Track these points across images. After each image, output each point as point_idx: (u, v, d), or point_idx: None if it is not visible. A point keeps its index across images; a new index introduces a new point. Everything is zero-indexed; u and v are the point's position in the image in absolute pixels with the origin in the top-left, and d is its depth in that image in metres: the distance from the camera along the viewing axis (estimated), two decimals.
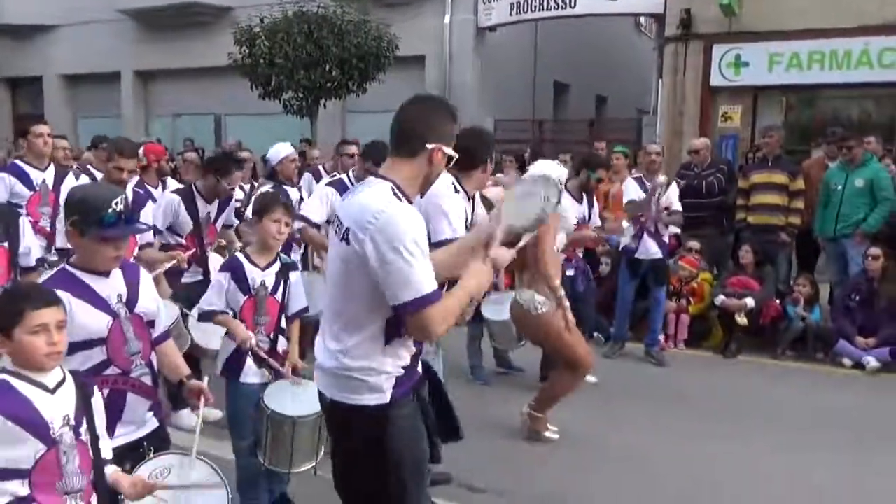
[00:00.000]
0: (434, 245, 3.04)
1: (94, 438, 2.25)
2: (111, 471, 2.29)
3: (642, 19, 17.09)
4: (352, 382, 2.32)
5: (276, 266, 3.58)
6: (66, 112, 17.58)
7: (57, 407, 2.14)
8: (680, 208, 6.67)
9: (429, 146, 2.33)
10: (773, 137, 7.46)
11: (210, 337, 4.02)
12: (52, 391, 2.15)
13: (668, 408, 5.59)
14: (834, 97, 10.47)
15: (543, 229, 4.57)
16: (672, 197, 6.58)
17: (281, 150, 5.93)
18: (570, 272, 5.80)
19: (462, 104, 13.06)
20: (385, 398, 2.32)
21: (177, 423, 4.59)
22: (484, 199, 6.25)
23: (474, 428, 4.98)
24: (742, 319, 6.97)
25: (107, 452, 2.33)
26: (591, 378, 6.17)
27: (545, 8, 11.91)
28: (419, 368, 2.50)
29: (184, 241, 4.92)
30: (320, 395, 2.48)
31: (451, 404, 2.72)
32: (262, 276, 3.52)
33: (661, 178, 6.30)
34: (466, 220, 3.66)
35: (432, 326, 2.22)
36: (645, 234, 6.49)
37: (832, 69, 9.87)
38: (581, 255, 6.30)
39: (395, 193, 2.28)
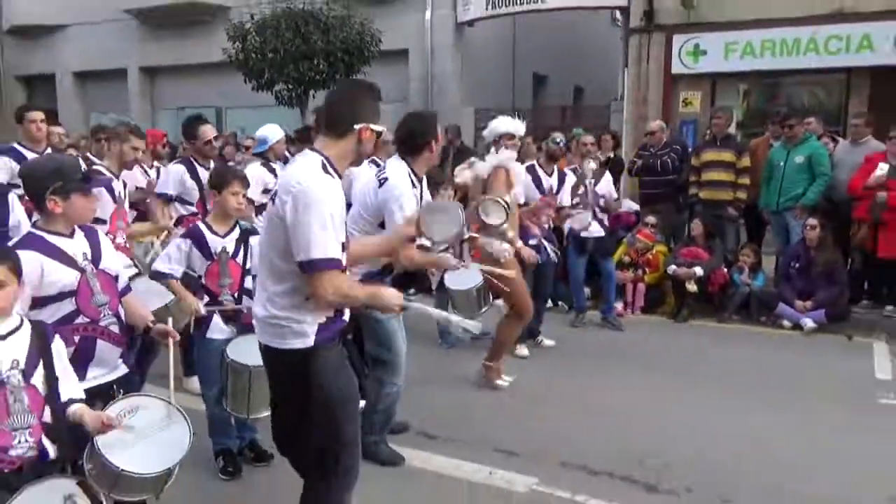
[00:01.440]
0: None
1: (52, 381, 2.34)
2: (76, 407, 2.38)
3: (618, 13, 17.07)
4: (279, 329, 2.44)
5: (236, 233, 3.70)
6: (78, 107, 17.55)
7: (6, 351, 2.26)
8: (615, 196, 6.84)
9: (356, 126, 2.43)
10: (721, 118, 7.56)
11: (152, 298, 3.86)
12: (4, 337, 2.28)
13: (623, 367, 5.73)
14: (786, 83, 10.53)
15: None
16: (607, 187, 6.64)
17: (276, 133, 6.17)
18: (532, 241, 5.85)
19: (444, 95, 13.14)
20: (309, 342, 2.43)
21: (188, 387, 4.69)
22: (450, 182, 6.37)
23: (437, 383, 5.19)
24: (692, 287, 7.10)
25: (74, 392, 2.43)
26: (548, 341, 6.32)
27: (519, 3, 11.92)
28: (345, 317, 2.59)
29: (195, 209, 5.00)
30: (259, 342, 2.59)
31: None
32: (222, 242, 3.64)
33: (592, 165, 6.31)
34: (418, 203, 3.68)
35: (321, 290, 2.33)
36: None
37: (783, 56, 9.92)
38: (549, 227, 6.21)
39: (324, 167, 2.38)
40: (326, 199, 2.30)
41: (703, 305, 7.30)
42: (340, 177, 2.45)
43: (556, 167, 6.12)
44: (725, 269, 7.26)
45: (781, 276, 7.13)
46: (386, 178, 3.62)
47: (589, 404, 4.87)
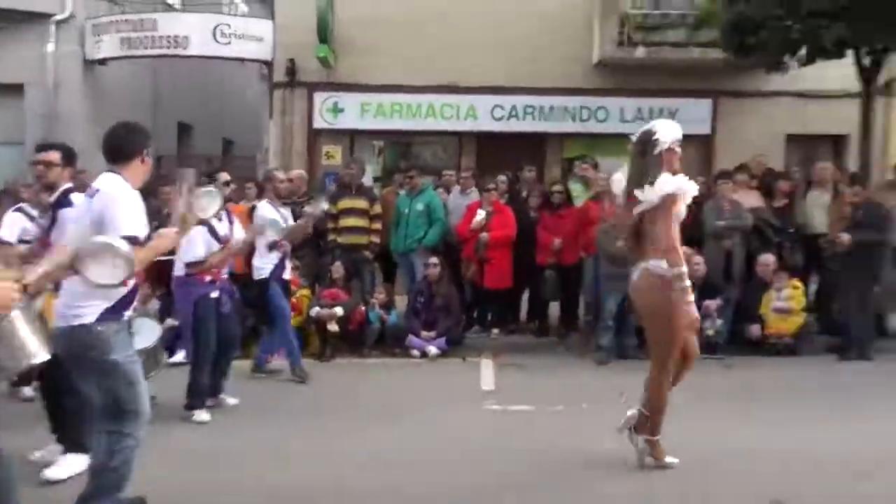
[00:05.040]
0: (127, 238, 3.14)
1: None
2: None
3: (264, 67, 17.53)
4: None
5: None
6: None
7: None
8: None
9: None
10: (353, 168, 8.29)
11: None
12: None
13: (275, 414, 5.67)
14: (413, 142, 11.99)
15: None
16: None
17: None
18: (214, 294, 5.53)
19: (72, 133, 11.83)
20: None
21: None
22: None
23: None
24: (333, 327, 7.53)
25: None
26: (231, 399, 5.83)
27: (157, 46, 11.52)
28: None
29: None
30: None
31: None
32: None
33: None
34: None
35: None
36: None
37: (409, 118, 11.35)
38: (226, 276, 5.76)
39: None
40: None
41: (344, 343, 7.76)
42: None
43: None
44: (363, 308, 7.85)
45: (410, 310, 7.97)
46: (98, 189, 3.44)
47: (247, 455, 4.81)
